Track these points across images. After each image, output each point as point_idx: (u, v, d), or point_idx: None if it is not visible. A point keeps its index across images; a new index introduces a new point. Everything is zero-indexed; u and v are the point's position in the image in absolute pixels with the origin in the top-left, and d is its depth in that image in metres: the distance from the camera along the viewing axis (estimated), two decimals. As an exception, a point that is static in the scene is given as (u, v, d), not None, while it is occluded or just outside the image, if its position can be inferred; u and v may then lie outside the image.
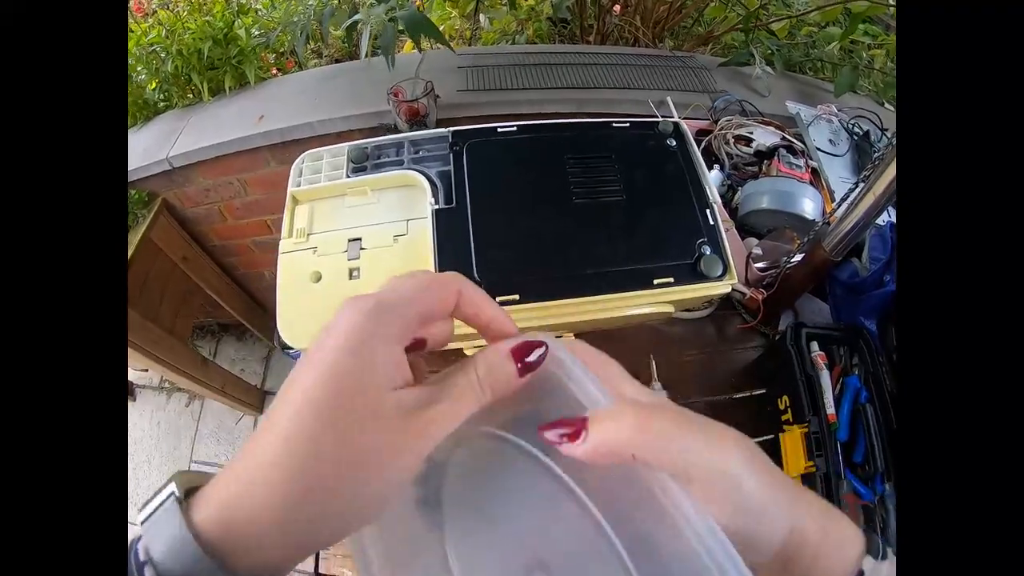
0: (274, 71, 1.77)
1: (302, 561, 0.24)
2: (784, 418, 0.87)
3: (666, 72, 1.39)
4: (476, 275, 0.60)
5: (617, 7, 1.71)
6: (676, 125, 0.75)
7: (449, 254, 0.61)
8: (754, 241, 1.09)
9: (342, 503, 0.23)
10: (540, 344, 0.27)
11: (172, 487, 0.23)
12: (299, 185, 0.72)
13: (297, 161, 0.75)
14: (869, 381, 0.88)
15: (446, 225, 0.63)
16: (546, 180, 0.68)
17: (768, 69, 1.40)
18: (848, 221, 0.82)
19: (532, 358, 0.27)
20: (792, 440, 0.84)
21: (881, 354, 0.90)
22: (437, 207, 0.65)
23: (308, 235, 0.69)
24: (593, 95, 1.30)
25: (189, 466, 2.00)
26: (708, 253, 0.64)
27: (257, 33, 1.64)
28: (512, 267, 0.61)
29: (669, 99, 1.09)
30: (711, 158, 1.22)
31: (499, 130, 0.70)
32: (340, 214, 0.70)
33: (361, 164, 0.71)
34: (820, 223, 0.98)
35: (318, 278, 0.66)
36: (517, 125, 0.70)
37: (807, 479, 0.79)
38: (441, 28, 1.75)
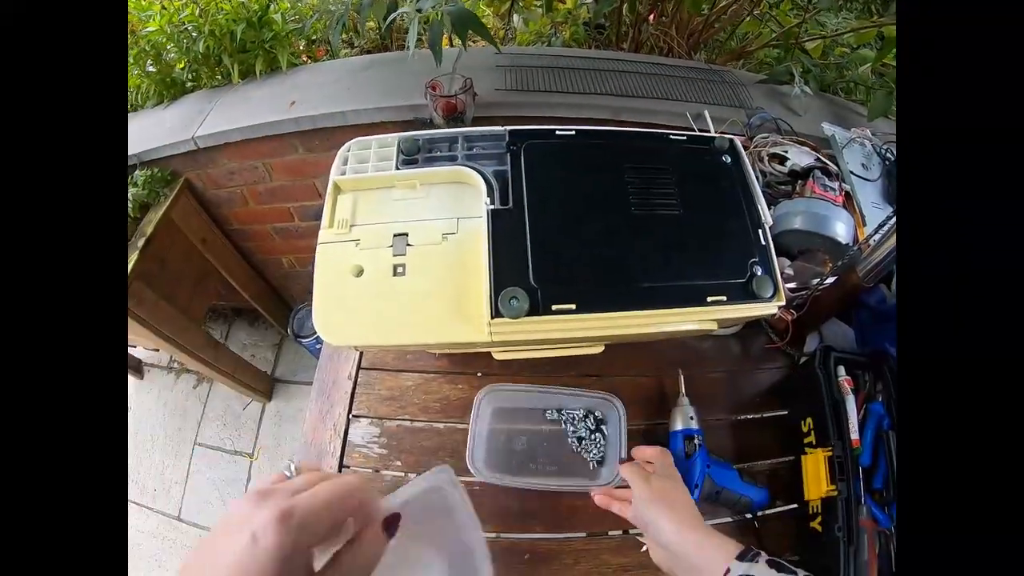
0: (304, 58, 1.76)
1: None
2: (807, 440, 0.86)
3: (703, 85, 1.39)
4: (532, 281, 0.59)
5: (652, 16, 1.70)
6: (731, 142, 0.74)
7: (504, 257, 0.60)
8: (786, 261, 1.08)
9: None
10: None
11: None
12: (344, 173, 0.70)
13: (342, 149, 0.73)
14: (892, 408, 0.87)
15: (502, 227, 0.62)
16: (604, 188, 0.66)
17: (806, 89, 1.40)
18: (883, 249, 0.81)
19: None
20: (814, 463, 0.83)
21: (905, 382, 0.89)
22: (493, 207, 0.63)
23: (351, 226, 0.67)
24: (629, 103, 1.29)
25: (193, 448, 1.99)
26: (760, 273, 0.63)
27: (292, 19, 1.64)
28: (569, 276, 0.60)
29: (706, 112, 1.08)
30: (745, 174, 1.22)
31: (557, 132, 0.69)
32: (386, 207, 0.68)
33: (412, 156, 0.69)
34: (854, 248, 0.97)
35: (360, 272, 0.64)
36: (575, 129, 0.69)
37: (828, 502, 0.78)
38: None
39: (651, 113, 1.27)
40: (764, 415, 0.94)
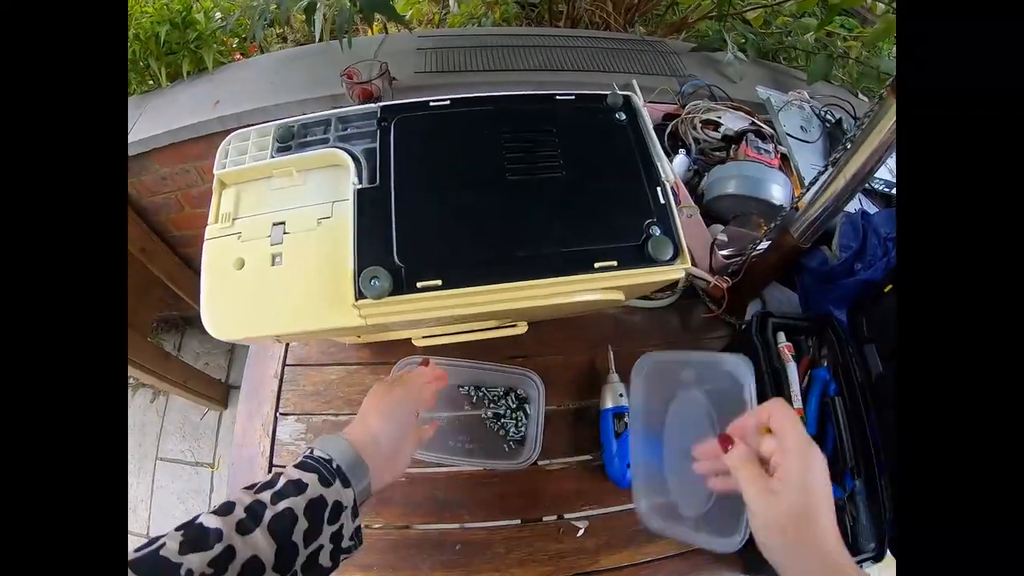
0: (236, 55, 1.71)
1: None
2: (749, 411, 0.83)
3: (634, 56, 1.36)
4: (397, 259, 0.55)
5: (589, -9, 1.67)
6: (626, 98, 0.70)
7: (368, 236, 0.57)
8: (719, 227, 1.05)
9: (403, 455, 0.61)
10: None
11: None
12: (224, 167, 0.68)
13: (223, 143, 0.70)
14: (838, 373, 0.85)
15: (368, 206, 0.58)
16: (479, 157, 0.63)
17: (741, 55, 1.37)
18: (816, 206, 0.78)
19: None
20: (756, 435, 0.80)
21: (851, 345, 0.86)
22: (360, 187, 0.60)
23: (233, 220, 0.65)
24: (555, 77, 1.26)
25: (155, 464, 1.95)
26: (658, 234, 0.60)
27: (218, 17, 1.59)
28: (436, 250, 0.57)
29: (635, 82, 1.05)
30: (677, 142, 1.19)
31: (431, 104, 0.65)
32: (266, 197, 0.66)
33: (286, 144, 0.66)
34: (788, 209, 0.94)
35: (241, 265, 0.62)
36: (451, 99, 0.65)
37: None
38: (409, 13, 1.71)
39: (577, 86, 1.23)
40: (704, 388, 0.92)
